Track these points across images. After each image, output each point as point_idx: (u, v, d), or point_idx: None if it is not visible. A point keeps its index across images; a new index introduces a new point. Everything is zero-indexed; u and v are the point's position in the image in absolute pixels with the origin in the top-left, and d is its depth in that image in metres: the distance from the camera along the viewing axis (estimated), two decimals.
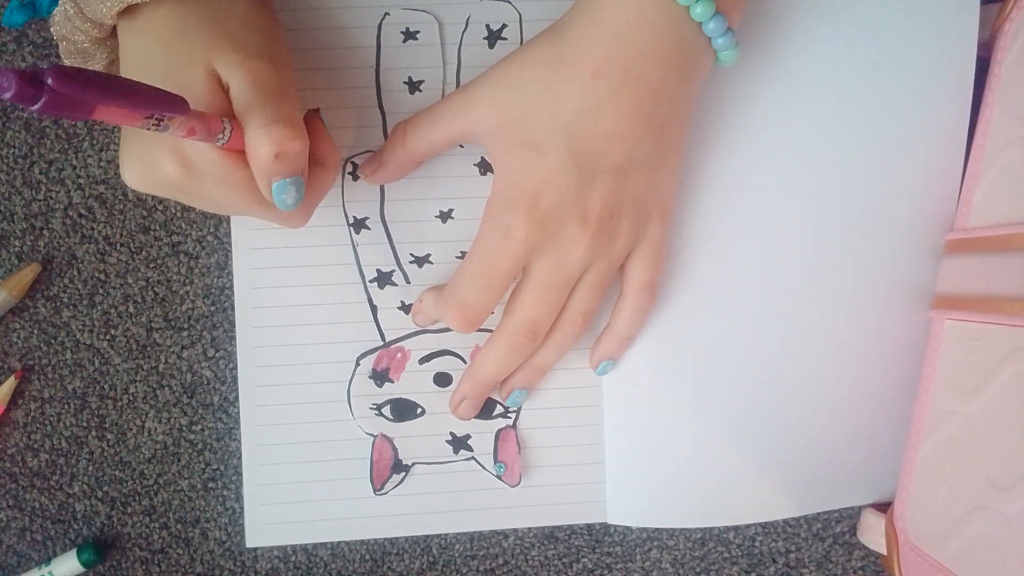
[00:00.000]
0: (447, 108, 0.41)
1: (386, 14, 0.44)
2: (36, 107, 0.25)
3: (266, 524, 0.45)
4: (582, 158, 0.38)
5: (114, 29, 0.36)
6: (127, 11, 0.35)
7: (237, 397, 0.44)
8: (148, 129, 0.29)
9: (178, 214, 0.45)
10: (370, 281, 0.45)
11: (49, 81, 0.25)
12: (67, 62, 0.37)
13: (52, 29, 0.36)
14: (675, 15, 0.36)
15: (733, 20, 0.37)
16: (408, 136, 0.41)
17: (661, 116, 0.38)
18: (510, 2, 0.44)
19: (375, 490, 0.45)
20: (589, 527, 0.47)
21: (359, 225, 0.44)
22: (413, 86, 0.44)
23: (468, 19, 0.44)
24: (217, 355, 0.45)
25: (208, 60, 0.34)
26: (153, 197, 0.45)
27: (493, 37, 0.44)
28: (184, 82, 0.33)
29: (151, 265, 0.45)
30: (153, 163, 0.34)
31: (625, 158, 0.38)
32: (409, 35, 0.44)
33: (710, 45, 0.38)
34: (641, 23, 0.36)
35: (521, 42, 0.44)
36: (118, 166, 0.44)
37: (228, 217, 0.45)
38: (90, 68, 0.37)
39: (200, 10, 0.35)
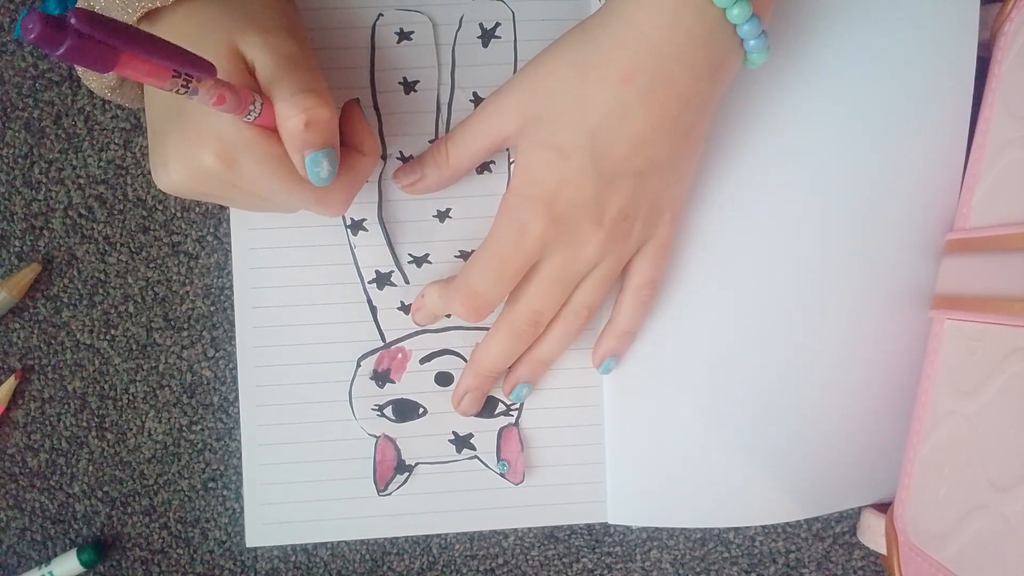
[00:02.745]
0: (481, 119, 0.41)
1: (380, 15, 0.44)
2: (60, 51, 0.24)
3: (266, 524, 0.45)
4: (604, 162, 0.38)
5: None
6: (147, 17, 0.35)
7: (237, 397, 0.44)
8: (176, 91, 0.29)
9: (178, 214, 0.45)
10: (369, 282, 0.45)
11: (72, 21, 0.24)
12: (81, 73, 0.37)
13: None
14: (711, 18, 0.35)
15: (766, 21, 0.37)
16: (451, 154, 0.42)
17: (687, 121, 0.38)
18: (503, 1, 0.44)
19: (378, 491, 0.45)
20: (589, 527, 0.47)
21: (356, 227, 0.44)
22: (408, 87, 0.44)
23: (462, 18, 0.44)
24: (217, 355, 0.45)
25: (231, 42, 0.34)
26: (153, 197, 0.45)
27: (487, 36, 0.44)
28: None
29: (151, 265, 0.45)
30: (193, 157, 0.34)
31: (647, 163, 0.38)
32: (403, 36, 0.44)
33: (741, 47, 0.37)
34: (676, 27, 0.35)
35: (515, 41, 0.44)
36: (119, 166, 0.44)
37: (228, 217, 0.45)
38: (104, 74, 0.37)
39: (219, 2, 0.35)
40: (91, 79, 0.38)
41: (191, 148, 0.34)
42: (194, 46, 0.34)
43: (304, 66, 0.35)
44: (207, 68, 0.30)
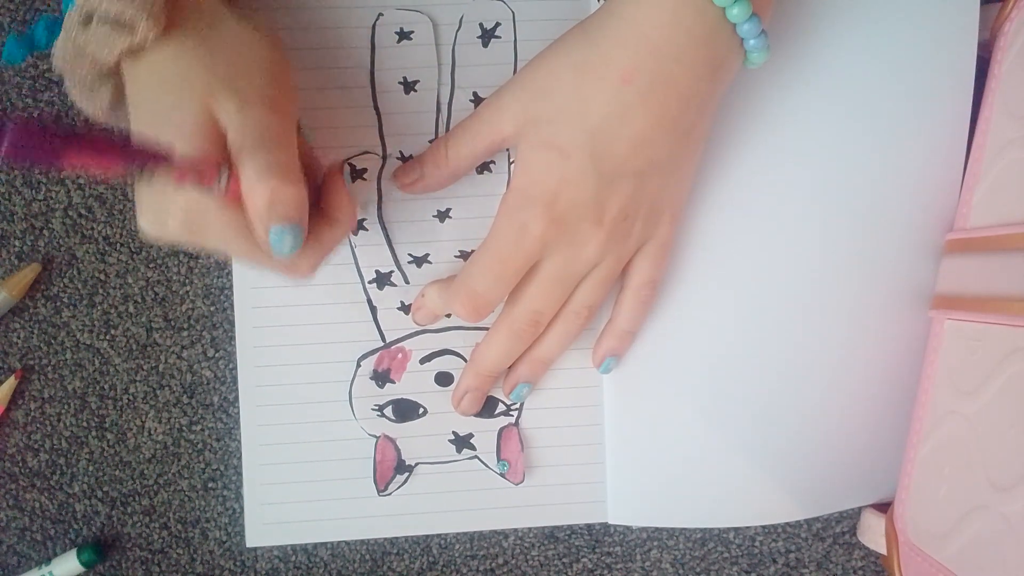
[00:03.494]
0: (481, 119, 0.41)
1: (380, 15, 0.44)
2: (1, 153, 0.24)
3: (266, 524, 0.45)
4: (604, 162, 0.38)
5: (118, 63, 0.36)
6: (130, 54, 0.34)
7: (237, 397, 0.44)
8: (135, 179, 0.29)
9: None
10: (369, 282, 0.45)
11: (9, 131, 0.24)
12: (73, 93, 0.36)
13: (54, 64, 0.36)
14: (711, 17, 0.35)
15: (765, 21, 0.37)
16: (450, 153, 0.42)
17: (687, 121, 0.38)
18: (503, 1, 0.44)
19: (379, 491, 0.45)
20: (589, 527, 0.47)
21: (357, 226, 0.44)
22: (408, 86, 0.44)
23: (462, 18, 0.44)
24: (217, 355, 0.45)
25: (208, 105, 0.34)
26: None
27: (487, 36, 0.44)
28: (183, 127, 0.33)
29: (151, 265, 0.45)
30: (159, 220, 0.34)
31: (647, 163, 0.38)
32: (403, 35, 0.44)
33: (741, 47, 0.37)
34: (675, 26, 0.35)
35: (515, 41, 0.44)
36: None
37: None
38: (96, 100, 0.37)
39: (203, 53, 0.35)
40: (84, 104, 0.37)
41: (158, 210, 0.34)
42: (171, 97, 0.33)
43: (275, 140, 0.34)
44: (159, 157, 0.29)
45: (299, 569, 0.46)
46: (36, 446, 0.45)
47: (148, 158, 0.29)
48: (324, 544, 0.46)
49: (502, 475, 0.45)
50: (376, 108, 0.44)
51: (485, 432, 0.45)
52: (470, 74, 0.44)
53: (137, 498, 0.46)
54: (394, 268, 0.45)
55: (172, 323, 0.45)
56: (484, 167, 0.45)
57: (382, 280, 0.45)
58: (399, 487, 0.45)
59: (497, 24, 0.44)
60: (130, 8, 0.33)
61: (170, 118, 0.33)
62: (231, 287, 0.45)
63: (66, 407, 0.45)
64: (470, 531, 0.46)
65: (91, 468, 0.45)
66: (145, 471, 0.45)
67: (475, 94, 0.44)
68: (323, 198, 0.38)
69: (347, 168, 0.43)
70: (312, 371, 0.44)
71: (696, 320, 0.45)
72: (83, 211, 0.45)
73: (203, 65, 0.34)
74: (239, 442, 0.45)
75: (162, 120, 0.34)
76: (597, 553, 0.47)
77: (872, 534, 0.45)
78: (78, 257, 0.45)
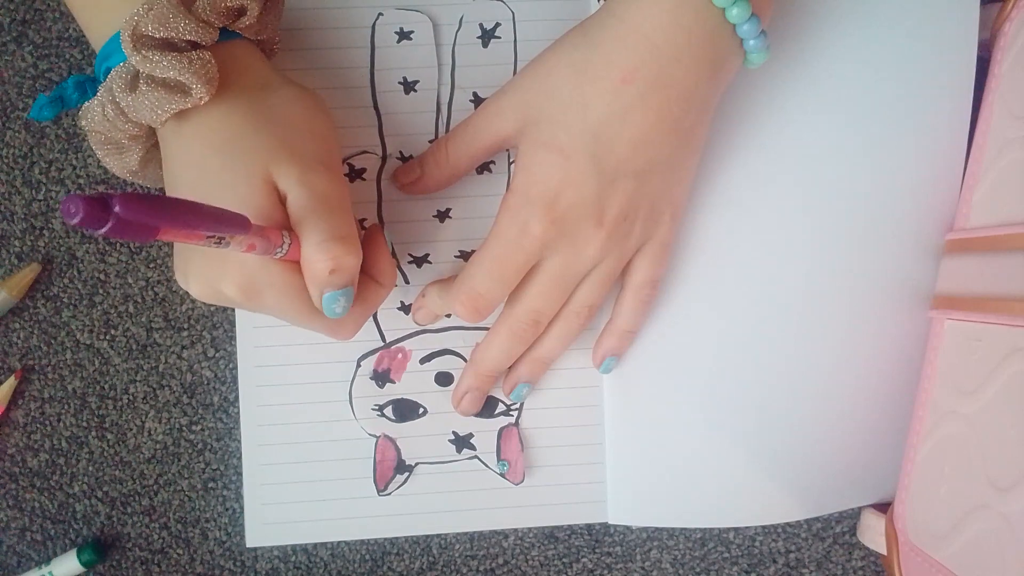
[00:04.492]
0: (481, 119, 0.41)
1: (380, 15, 0.44)
2: (102, 231, 0.24)
3: (266, 524, 0.45)
4: (605, 162, 0.38)
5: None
6: (178, 115, 0.34)
7: (237, 397, 0.44)
8: (209, 247, 0.29)
9: None
10: None
11: (117, 208, 0.24)
12: (98, 152, 0.37)
13: (82, 123, 0.35)
14: (711, 18, 0.36)
15: (765, 21, 0.37)
16: (450, 154, 0.42)
17: (687, 121, 0.38)
18: (503, 1, 0.44)
19: (379, 491, 0.45)
20: (589, 527, 0.47)
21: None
22: (408, 86, 0.44)
23: (462, 19, 0.44)
24: (217, 355, 0.45)
25: (266, 171, 0.34)
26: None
27: (487, 36, 0.44)
28: (244, 196, 0.33)
29: (151, 265, 0.45)
30: (214, 283, 0.35)
31: (648, 163, 0.38)
32: (403, 35, 0.44)
33: (741, 47, 0.37)
34: (675, 27, 0.36)
35: (515, 41, 0.44)
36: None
37: None
38: (125, 160, 0.37)
39: (254, 116, 0.35)
40: (109, 163, 0.37)
41: (213, 274, 0.34)
42: (227, 168, 0.34)
43: (336, 208, 0.35)
44: (242, 226, 0.30)
45: (299, 569, 0.46)
46: (36, 446, 0.45)
47: (231, 227, 0.29)
48: (324, 544, 0.46)
49: (502, 475, 0.45)
50: (376, 108, 0.44)
51: (485, 432, 0.45)
52: (470, 74, 0.44)
53: (137, 498, 0.46)
54: None
55: (172, 323, 0.45)
56: (484, 167, 0.45)
57: None
58: (399, 487, 0.45)
59: (497, 24, 0.44)
60: (186, 72, 0.32)
61: (232, 187, 0.34)
62: None
63: (66, 407, 0.45)
64: (470, 531, 0.46)
65: (91, 468, 0.45)
66: (145, 471, 0.45)
67: (475, 94, 0.44)
68: (366, 259, 0.38)
69: (387, 232, 0.43)
70: (312, 371, 0.44)
71: (696, 320, 0.45)
72: None
73: (256, 127, 0.34)
74: (239, 442, 0.45)
75: (222, 190, 0.34)
76: (597, 553, 0.47)
77: (872, 534, 0.45)
78: (78, 257, 0.45)
